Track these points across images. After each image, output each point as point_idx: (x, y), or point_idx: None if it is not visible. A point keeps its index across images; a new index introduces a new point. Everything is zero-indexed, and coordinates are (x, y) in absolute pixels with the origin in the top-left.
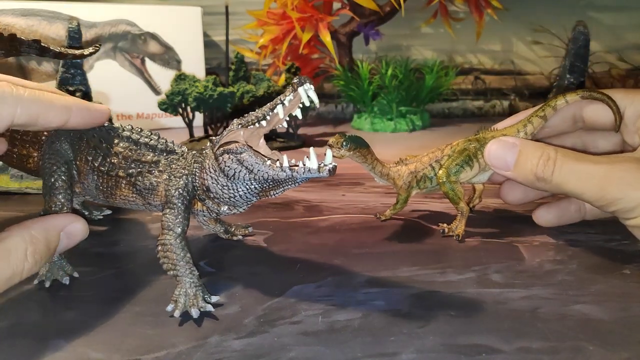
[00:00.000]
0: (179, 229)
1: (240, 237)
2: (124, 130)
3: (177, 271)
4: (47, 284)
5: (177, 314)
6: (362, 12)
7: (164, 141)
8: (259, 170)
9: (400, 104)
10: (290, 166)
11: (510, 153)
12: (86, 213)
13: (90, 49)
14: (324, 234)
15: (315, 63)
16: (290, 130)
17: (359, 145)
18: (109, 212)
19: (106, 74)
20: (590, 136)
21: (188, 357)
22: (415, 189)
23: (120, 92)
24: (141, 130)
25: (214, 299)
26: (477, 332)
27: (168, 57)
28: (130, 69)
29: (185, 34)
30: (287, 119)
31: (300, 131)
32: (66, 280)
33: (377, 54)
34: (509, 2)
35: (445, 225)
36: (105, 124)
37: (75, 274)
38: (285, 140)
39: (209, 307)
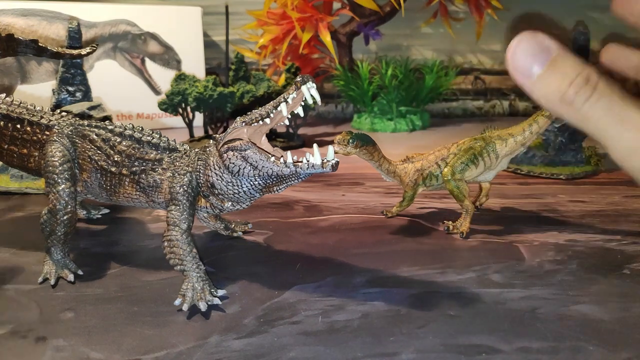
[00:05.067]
0: (185, 225)
1: (240, 233)
2: (125, 129)
3: (184, 266)
4: (52, 282)
5: (185, 307)
6: (362, 12)
7: (166, 139)
8: (263, 166)
9: (400, 104)
10: (293, 162)
11: (540, 57)
12: (84, 212)
13: (88, 49)
14: (324, 234)
15: (315, 63)
16: (291, 130)
17: (365, 142)
18: (107, 211)
19: (106, 74)
20: None
21: (188, 357)
22: (422, 186)
23: (120, 92)
24: (142, 129)
25: (220, 292)
26: (477, 332)
27: (168, 57)
28: (130, 69)
29: (185, 34)
30: (289, 116)
31: (301, 131)
32: (71, 278)
33: (377, 54)
34: (509, 2)
35: (449, 222)
36: (107, 123)
37: (80, 272)
38: (285, 140)
39: (217, 301)
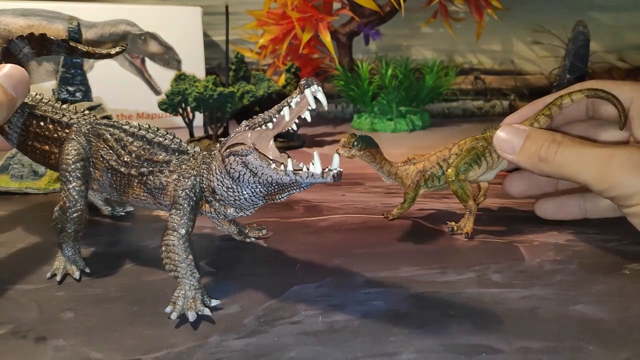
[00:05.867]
0: (183, 231)
1: (253, 239)
2: (140, 129)
3: (178, 272)
4: (59, 278)
5: (174, 316)
6: (362, 12)
7: (178, 141)
8: (262, 173)
9: (400, 104)
10: (294, 170)
11: (518, 137)
12: (109, 209)
13: (117, 49)
14: (324, 234)
15: (315, 63)
16: (291, 130)
17: (369, 144)
18: (131, 208)
19: (106, 74)
20: (596, 129)
21: (188, 357)
22: (423, 187)
23: (120, 92)
24: (157, 129)
25: (214, 302)
26: (477, 332)
27: (168, 57)
28: (130, 69)
29: (185, 34)
30: (297, 121)
31: (301, 131)
32: (76, 275)
33: (377, 54)
34: (509, 2)
35: (453, 223)
36: (123, 123)
37: (87, 270)
38: (285, 140)
39: (207, 311)
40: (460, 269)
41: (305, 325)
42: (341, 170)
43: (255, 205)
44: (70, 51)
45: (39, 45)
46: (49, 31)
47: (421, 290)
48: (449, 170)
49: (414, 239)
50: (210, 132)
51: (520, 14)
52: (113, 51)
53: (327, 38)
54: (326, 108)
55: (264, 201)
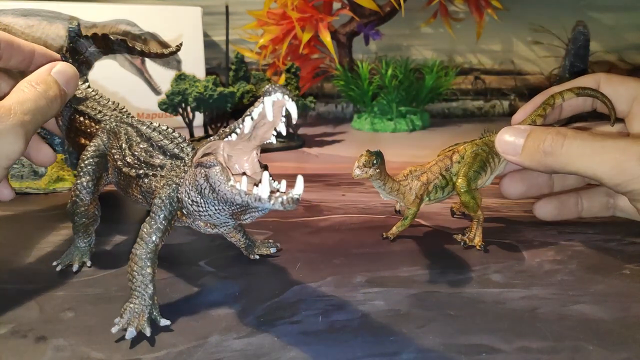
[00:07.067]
0: (150, 240)
1: (257, 257)
2: (154, 129)
3: (132, 284)
4: (58, 268)
5: (114, 329)
6: (362, 12)
7: (182, 146)
8: (220, 190)
9: (400, 104)
10: (245, 191)
11: (519, 137)
12: None
13: (172, 49)
14: (324, 234)
15: (315, 63)
16: (290, 130)
17: (383, 161)
18: None
19: (106, 74)
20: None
21: (188, 356)
22: (426, 200)
23: (120, 92)
24: (172, 131)
25: (164, 322)
26: (477, 332)
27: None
28: (130, 69)
29: (185, 34)
30: (274, 133)
31: (301, 131)
32: (74, 268)
33: (377, 54)
34: (509, 2)
35: (460, 236)
36: (145, 121)
37: (88, 263)
38: (284, 140)
39: (148, 331)
40: (460, 269)
41: (305, 325)
42: (297, 197)
43: (226, 224)
44: (129, 50)
45: (103, 45)
46: (49, 31)
47: (421, 290)
48: (459, 180)
49: (414, 239)
50: (210, 132)
51: (520, 14)
52: (167, 51)
53: (327, 38)
54: (295, 121)
55: (234, 220)
